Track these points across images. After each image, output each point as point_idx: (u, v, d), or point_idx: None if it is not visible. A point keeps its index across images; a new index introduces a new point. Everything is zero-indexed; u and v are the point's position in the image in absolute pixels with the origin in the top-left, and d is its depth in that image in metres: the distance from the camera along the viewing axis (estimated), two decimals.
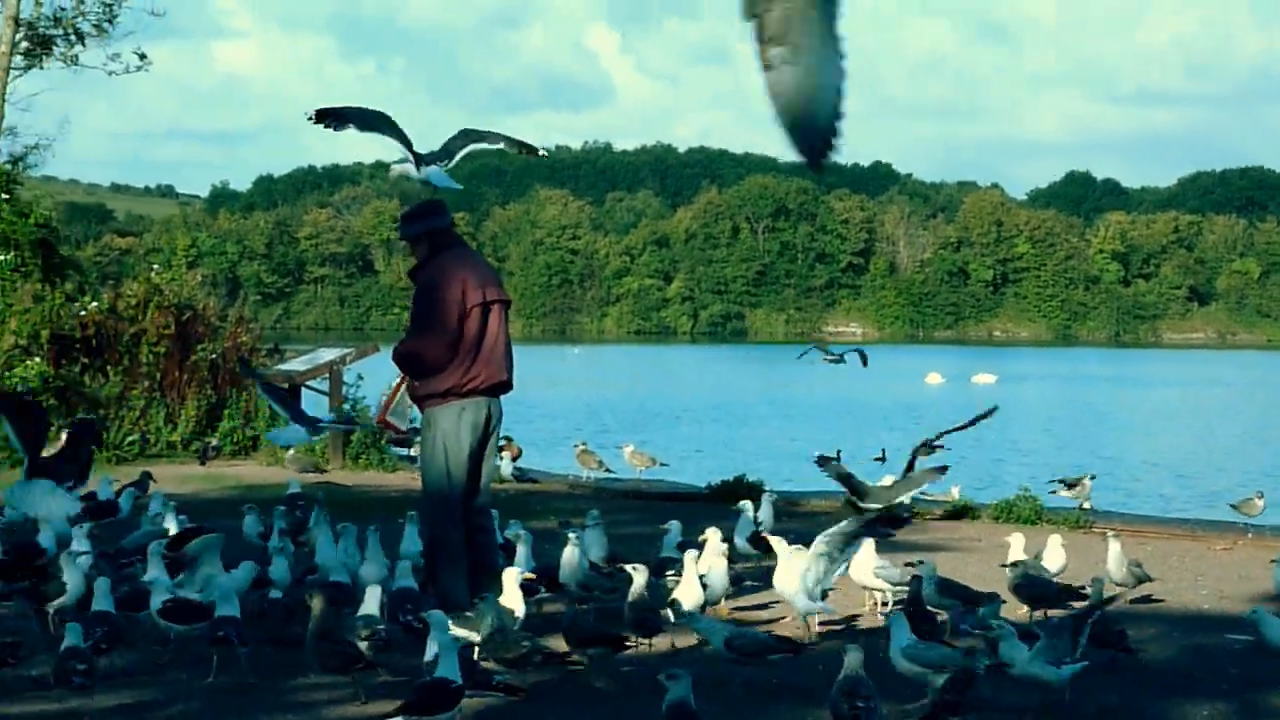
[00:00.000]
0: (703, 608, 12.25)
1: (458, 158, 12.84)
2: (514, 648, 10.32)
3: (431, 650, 9.60)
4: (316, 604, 10.43)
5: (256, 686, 10.46)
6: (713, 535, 13.18)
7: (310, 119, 11.92)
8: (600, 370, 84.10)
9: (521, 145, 13.28)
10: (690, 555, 12.70)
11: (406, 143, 12.50)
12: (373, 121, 12.24)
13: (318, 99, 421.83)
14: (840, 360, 34.86)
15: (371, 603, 11.24)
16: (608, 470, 24.13)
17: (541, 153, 13.53)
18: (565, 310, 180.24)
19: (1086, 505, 21.17)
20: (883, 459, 29.41)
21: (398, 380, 13.01)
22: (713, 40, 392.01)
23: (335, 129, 11.79)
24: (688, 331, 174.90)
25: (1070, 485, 21.38)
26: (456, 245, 12.34)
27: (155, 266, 30.17)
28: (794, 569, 12.06)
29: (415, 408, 12.72)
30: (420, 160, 12.56)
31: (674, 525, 14.44)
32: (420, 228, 12.21)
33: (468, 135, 12.95)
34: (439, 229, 12.23)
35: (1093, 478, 22.21)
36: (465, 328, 11.95)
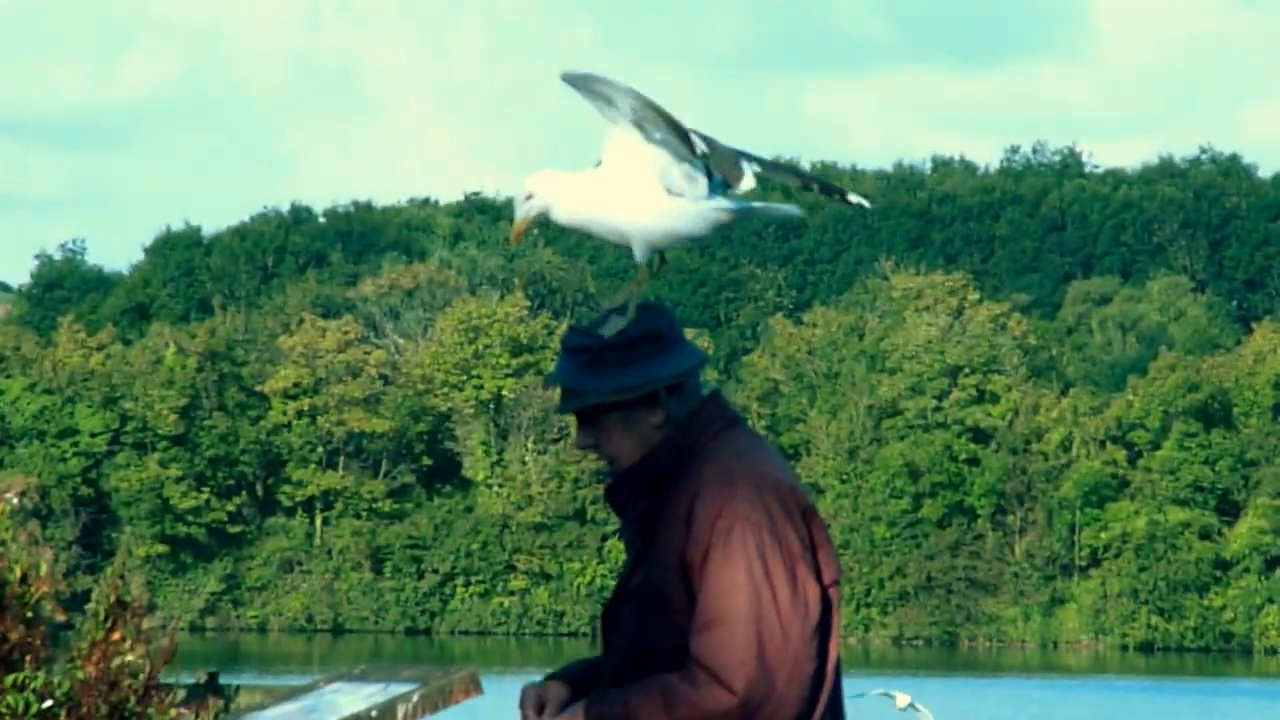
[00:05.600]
0: None
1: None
2: None
3: None
4: None
5: None
6: None
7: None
8: None
9: (826, 188, 6.36)
10: None
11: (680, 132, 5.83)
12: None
13: (382, 69, 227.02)
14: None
15: None
16: None
17: (857, 201, 6.45)
18: (961, 591, 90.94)
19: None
20: None
21: None
22: None
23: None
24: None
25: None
26: (735, 422, 5.56)
27: None
28: None
29: None
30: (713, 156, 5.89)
31: None
32: (659, 373, 5.28)
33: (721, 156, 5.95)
34: (687, 370, 5.37)
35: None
36: (827, 648, 5.29)
